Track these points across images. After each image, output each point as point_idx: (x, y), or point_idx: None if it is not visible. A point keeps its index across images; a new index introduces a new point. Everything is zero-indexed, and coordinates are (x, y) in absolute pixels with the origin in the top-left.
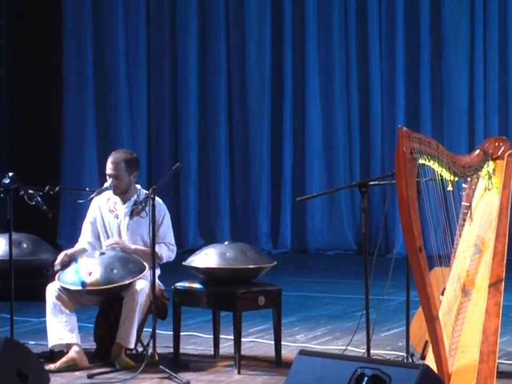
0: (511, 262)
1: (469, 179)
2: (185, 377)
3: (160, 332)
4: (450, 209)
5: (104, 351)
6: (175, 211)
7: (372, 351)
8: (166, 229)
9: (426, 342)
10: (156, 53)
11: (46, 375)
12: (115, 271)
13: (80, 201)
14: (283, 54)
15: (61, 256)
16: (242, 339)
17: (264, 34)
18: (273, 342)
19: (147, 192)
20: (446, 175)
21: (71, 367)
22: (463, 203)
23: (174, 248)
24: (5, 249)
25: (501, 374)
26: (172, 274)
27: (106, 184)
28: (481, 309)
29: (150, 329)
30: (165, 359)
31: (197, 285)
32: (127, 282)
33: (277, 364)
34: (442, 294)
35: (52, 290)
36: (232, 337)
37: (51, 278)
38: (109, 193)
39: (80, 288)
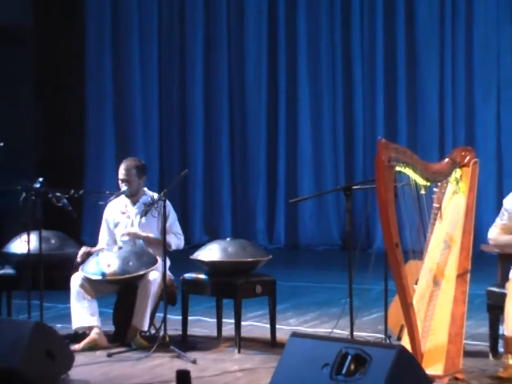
0: (476, 255)
1: (439, 184)
2: (192, 356)
3: (170, 316)
4: (423, 210)
5: (122, 333)
6: (183, 211)
7: (354, 333)
8: (173, 221)
9: (402, 325)
10: (166, 72)
11: (71, 354)
12: (131, 263)
13: (101, 202)
14: (277, 75)
15: (81, 252)
16: (242, 323)
17: (261, 56)
18: (269, 326)
19: (154, 194)
20: (420, 181)
21: (93, 347)
22: (434, 205)
23: (182, 236)
24: (36, 244)
25: (467, 353)
26: (181, 266)
27: (124, 188)
28: (450, 297)
29: (162, 314)
30: (174, 340)
31: (202, 276)
32: (141, 273)
33: (272, 344)
34: (416, 283)
35: (76, 280)
36: (233, 321)
37: (75, 269)
38: (121, 198)
39: (100, 278)
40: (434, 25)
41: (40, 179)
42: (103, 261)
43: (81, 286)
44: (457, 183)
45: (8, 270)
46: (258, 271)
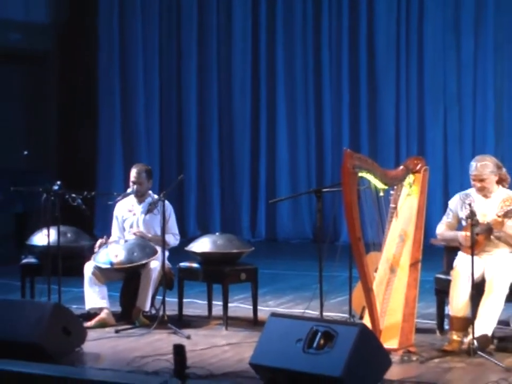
0: (426, 248)
1: (395, 187)
2: (186, 332)
3: (168, 299)
4: (382, 210)
5: (127, 313)
6: (179, 210)
7: (324, 313)
8: (172, 223)
9: (364, 307)
10: (166, 92)
11: (84, 330)
12: (135, 254)
13: (110, 202)
14: (259, 94)
15: (98, 243)
16: (229, 304)
17: (245, 78)
18: (251, 307)
19: (158, 196)
20: (379, 185)
21: (102, 324)
22: (391, 205)
23: (178, 237)
24: (55, 238)
25: (418, 330)
26: (177, 256)
27: (129, 190)
28: (404, 282)
29: (161, 297)
30: (171, 319)
31: (195, 265)
32: (144, 262)
33: (254, 322)
34: (376, 271)
35: (88, 268)
36: (221, 303)
37: (88, 259)
38: (128, 198)
39: (109, 266)
40: (391, 52)
41: (58, 182)
42: (111, 252)
43: (93, 273)
44: (410, 186)
45: (31, 260)
46: (242, 261)
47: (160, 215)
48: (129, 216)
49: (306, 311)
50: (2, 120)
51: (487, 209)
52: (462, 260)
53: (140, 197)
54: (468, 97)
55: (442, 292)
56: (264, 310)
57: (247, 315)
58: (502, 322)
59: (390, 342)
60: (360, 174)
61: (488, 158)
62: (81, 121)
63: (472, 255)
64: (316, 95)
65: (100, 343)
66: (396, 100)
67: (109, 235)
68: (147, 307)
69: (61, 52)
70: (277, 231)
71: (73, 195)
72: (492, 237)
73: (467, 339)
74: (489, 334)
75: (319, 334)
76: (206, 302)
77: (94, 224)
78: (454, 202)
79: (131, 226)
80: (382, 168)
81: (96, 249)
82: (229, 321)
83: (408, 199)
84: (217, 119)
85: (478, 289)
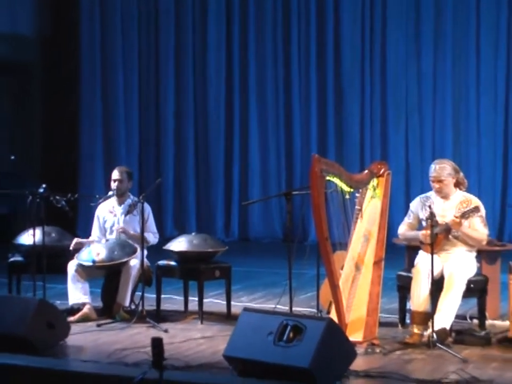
0: (389, 247)
1: (360, 190)
2: (164, 326)
3: (147, 295)
4: (347, 211)
5: (108, 308)
6: (158, 211)
7: (293, 308)
8: (151, 223)
9: (331, 302)
10: (144, 102)
11: (68, 325)
12: (115, 253)
13: (92, 204)
14: (233, 102)
15: (73, 243)
16: (204, 300)
17: (220, 88)
18: (225, 302)
19: (137, 198)
20: (345, 188)
21: (85, 319)
22: (356, 207)
23: (157, 235)
24: (40, 237)
25: (381, 324)
26: (156, 255)
27: (110, 193)
28: (368, 279)
29: (140, 293)
30: (150, 314)
31: (172, 263)
32: (124, 260)
33: (227, 317)
34: (342, 269)
35: (71, 266)
36: (196, 298)
37: (71, 257)
38: (109, 200)
39: (91, 264)
40: (356, 63)
41: (44, 185)
42: (93, 250)
43: (76, 270)
44: (374, 189)
45: (18, 258)
46: (217, 259)
47: (139, 215)
48: (110, 217)
49: (277, 306)
50: None
51: (446, 210)
52: (422, 258)
53: (120, 196)
54: (428, 105)
55: (404, 288)
56: (237, 305)
57: (221, 310)
58: (460, 317)
59: (355, 335)
60: (327, 178)
61: (446, 162)
62: (64, 130)
63: (432, 253)
64: (285, 104)
65: (82, 337)
66: (361, 108)
67: (84, 238)
68: (127, 302)
69: (44, 62)
70: (249, 231)
71: (58, 197)
72: (450, 236)
73: (427, 332)
74: (448, 327)
75: (289, 327)
76: (182, 298)
77: (77, 224)
78: (415, 204)
79: (112, 227)
80: (348, 172)
81: (71, 248)
82: (204, 315)
83: (372, 201)
84: (193, 127)
85: (437, 285)
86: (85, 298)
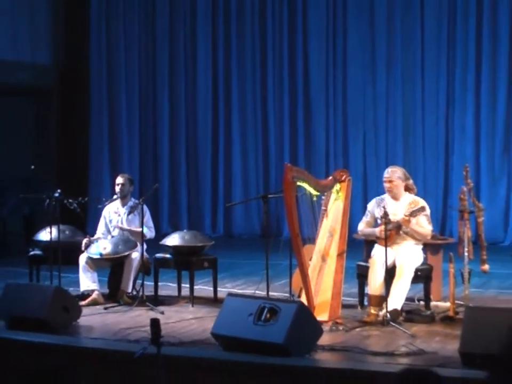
0: (350, 241)
1: (326, 194)
2: (161, 309)
3: (146, 282)
4: (315, 211)
5: (114, 294)
6: (155, 211)
7: (270, 293)
8: (148, 219)
9: (301, 288)
10: (144, 118)
11: (80, 308)
12: (120, 247)
13: (100, 206)
14: (218, 117)
15: (83, 242)
16: (194, 287)
17: (207, 104)
18: (212, 288)
19: (137, 200)
20: (313, 191)
21: (94, 303)
22: (322, 207)
23: (152, 229)
24: (55, 234)
25: (344, 306)
26: (153, 249)
27: (115, 197)
28: (332, 268)
29: (141, 281)
30: (149, 298)
31: (168, 255)
32: (126, 253)
33: (214, 301)
34: (310, 260)
35: (82, 258)
36: (188, 285)
37: (82, 252)
38: (114, 202)
39: (99, 256)
40: (322, 86)
41: (59, 190)
42: (101, 245)
43: (86, 262)
44: (338, 193)
45: (37, 252)
46: (205, 252)
47: (139, 215)
48: (115, 217)
49: (256, 291)
50: (14, 141)
51: (397, 210)
52: (377, 250)
53: (123, 198)
54: (382, 121)
55: (362, 275)
56: (222, 291)
57: (209, 295)
58: (409, 299)
59: (321, 316)
60: (298, 183)
61: (398, 168)
62: (76, 142)
63: (386, 246)
64: (262, 119)
65: (92, 318)
66: (326, 124)
67: (92, 235)
68: (129, 289)
69: (61, 87)
70: (233, 228)
71: (70, 200)
72: (401, 232)
73: (382, 312)
74: (399, 308)
75: (266, 309)
76: (176, 285)
77: (87, 223)
78: (372, 205)
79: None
80: (315, 178)
81: (82, 247)
82: (194, 300)
83: (336, 203)
84: (185, 138)
85: (390, 273)
86: (94, 286)
